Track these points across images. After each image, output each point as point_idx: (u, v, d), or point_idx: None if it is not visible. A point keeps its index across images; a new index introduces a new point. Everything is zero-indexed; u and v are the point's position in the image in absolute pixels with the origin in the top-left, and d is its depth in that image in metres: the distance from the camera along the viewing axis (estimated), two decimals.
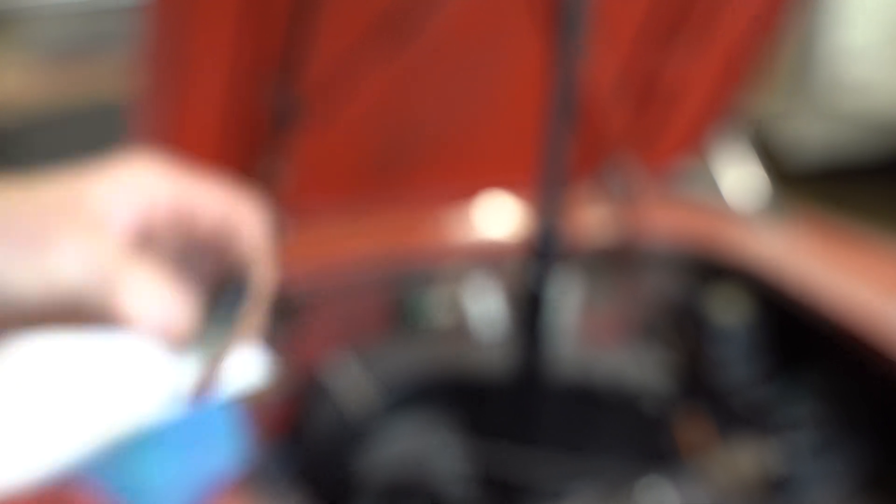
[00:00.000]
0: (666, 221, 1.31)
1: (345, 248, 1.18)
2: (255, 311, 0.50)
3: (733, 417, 1.12)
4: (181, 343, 0.45)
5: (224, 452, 0.82)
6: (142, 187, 0.48)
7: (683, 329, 1.21)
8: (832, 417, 1.08)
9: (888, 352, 1.03)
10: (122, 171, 0.48)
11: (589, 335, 1.21)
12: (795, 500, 1.04)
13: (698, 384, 1.16)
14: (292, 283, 1.11)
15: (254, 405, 0.92)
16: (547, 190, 0.93)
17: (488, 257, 1.20)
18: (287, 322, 1.10)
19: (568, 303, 1.17)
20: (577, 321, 1.19)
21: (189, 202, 0.49)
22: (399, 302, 1.16)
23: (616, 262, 1.26)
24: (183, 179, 0.49)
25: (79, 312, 0.45)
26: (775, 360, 1.17)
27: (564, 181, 0.93)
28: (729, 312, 1.18)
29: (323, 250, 1.17)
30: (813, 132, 3.59)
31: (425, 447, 0.99)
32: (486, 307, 1.15)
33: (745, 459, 1.08)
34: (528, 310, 0.94)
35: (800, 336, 1.15)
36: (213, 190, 0.49)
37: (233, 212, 0.49)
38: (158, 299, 0.45)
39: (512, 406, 0.98)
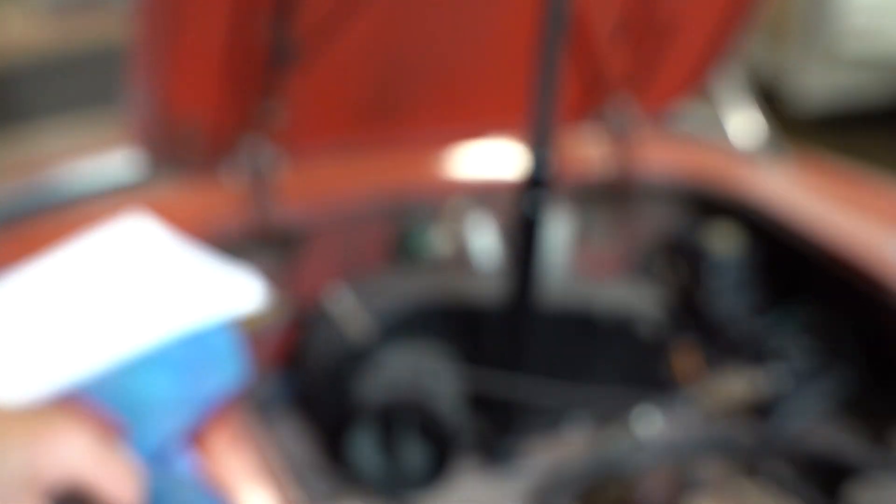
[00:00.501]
0: (664, 157, 1.32)
1: (343, 184, 1.19)
2: None
3: (725, 347, 1.14)
4: None
5: (223, 374, 0.84)
6: (62, 460, 0.59)
7: (678, 261, 1.23)
8: (819, 347, 1.10)
9: (875, 282, 1.05)
10: (50, 441, 0.59)
11: (585, 268, 1.23)
12: (781, 422, 1.06)
13: (692, 315, 1.18)
14: (291, 216, 1.12)
15: (253, 332, 0.94)
16: (539, 115, 0.94)
17: (486, 193, 1.21)
18: (287, 254, 1.12)
19: (564, 235, 1.18)
20: (573, 254, 1.21)
21: (95, 479, 0.60)
22: (397, 236, 1.18)
23: (613, 195, 1.27)
24: (98, 456, 0.61)
25: None
26: (768, 293, 1.18)
27: (557, 107, 0.94)
28: (723, 246, 1.19)
29: (321, 186, 1.18)
30: (821, 79, 3.57)
31: (422, 371, 1.00)
32: (483, 242, 1.17)
33: (735, 386, 1.10)
34: (522, 236, 0.95)
35: (792, 269, 1.17)
36: (119, 472, 0.61)
37: (126, 498, 0.61)
38: None
39: (507, 333, 0.99)
